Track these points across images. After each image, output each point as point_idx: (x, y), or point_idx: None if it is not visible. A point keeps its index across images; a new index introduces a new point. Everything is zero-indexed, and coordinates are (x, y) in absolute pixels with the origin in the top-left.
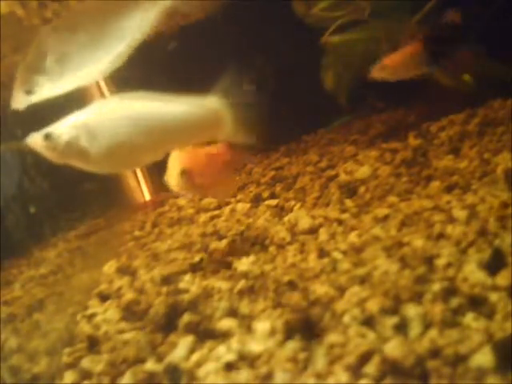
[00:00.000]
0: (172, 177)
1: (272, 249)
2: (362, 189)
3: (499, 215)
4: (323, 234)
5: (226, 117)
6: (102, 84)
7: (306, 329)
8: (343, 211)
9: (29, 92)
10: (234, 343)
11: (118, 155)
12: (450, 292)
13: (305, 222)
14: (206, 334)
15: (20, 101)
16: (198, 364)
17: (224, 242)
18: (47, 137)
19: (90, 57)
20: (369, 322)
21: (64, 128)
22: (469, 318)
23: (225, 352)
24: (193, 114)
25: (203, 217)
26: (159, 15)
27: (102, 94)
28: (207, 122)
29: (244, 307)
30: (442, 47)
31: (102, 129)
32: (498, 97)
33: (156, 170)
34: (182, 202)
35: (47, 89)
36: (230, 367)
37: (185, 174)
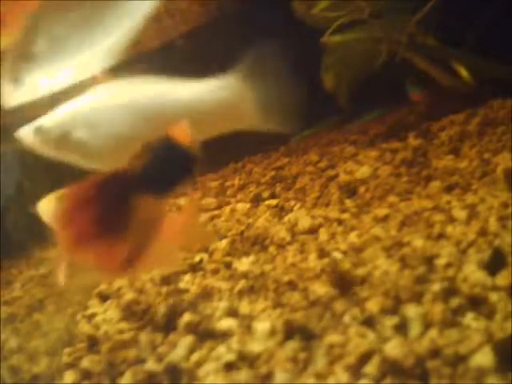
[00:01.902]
0: (46, 200)
1: (272, 249)
2: (361, 189)
3: (499, 215)
4: (323, 234)
5: (249, 102)
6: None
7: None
8: (343, 211)
9: (16, 81)
10: (234, 343)
11: (118, 148)
12: (450, 292)
13: (305, 222)
14: (205, 333)
15: (9, 93)
16: (198, 364)
17: (224, 242)
18: (38, 130)
19: (84, 40)
20: (369, 322)
21: (56, 119)
22: (469, 318)
23: (225, 352)
24: (207, 99)
25: (203, 217)
26: None
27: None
28: (225, 109)
29: (244, 307)
30: None
31: (99, 118)
32: (498, 97)
33: None
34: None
35: (37, 78)
36: (230, 367)
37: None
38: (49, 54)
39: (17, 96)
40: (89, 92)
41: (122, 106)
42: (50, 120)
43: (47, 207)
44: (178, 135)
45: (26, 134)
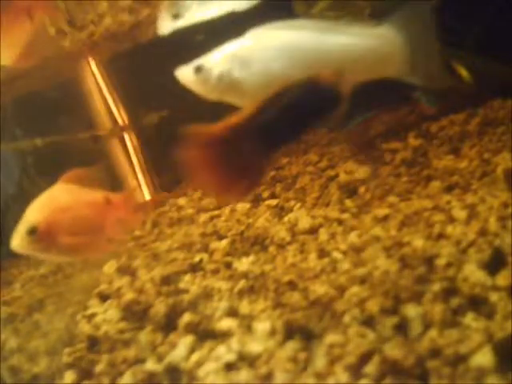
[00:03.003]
0: (17, 233)
1: (272, 249)
2: (361, 189)
3: (499, 215)
4: (323, 234)
5: (402, 52)
6: (100, 80)
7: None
8: (343, 211)
9: (176, 16)
10: (234, 343)
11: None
12: (450, 292)
13: (305, 222)
14: (205, 334)
15: (166, 25)
16: (198, 364)
17: (224, 242)
18: (198, 69)
19: None
20: (369, 321)
21: (216, 60)
22: (469, 318)
23: (225, 352)
24: (360, 45)
25: (203, 217)
26: None
27: (101, 90)
28: (378, 56)
29: (244, 307)
30: None
31: (255, 60)
32: (498, 97)
33: (156, 170)
34: (182, 201)
35: (195, 11)
36: (229, 367)
37: (34, 233)
38: None
39: (173, 27)
40: (246, 34)
41: (277, 49)
42: (210, 60)
43: (21, 243)
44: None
45: (185, 73)
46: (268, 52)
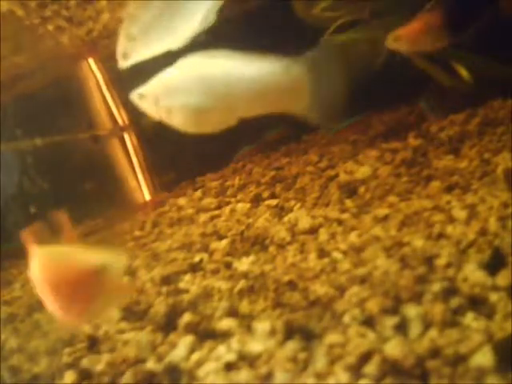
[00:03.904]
0: None
1: (272, 249)
2: (361, 189)
3: (499, 215)
4: (323, 234)
5: (306, 90)
6: (101, 80)
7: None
8: (343, 211)
9: (125, 55)
10: (234, 343)
11: (194, 115)
12: (450, 292)
13: (305, 222)
14: (206, 334)
15: (120, 64)
16: (198, 364)
17: (224, 242)
18: (140, 97)
19: (167, 26)
20: (369, 321)
21: (149, 88)
22: (469, 318)
23: (225, 352)
24: (270, 80)
25: (203, 217)
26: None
27: (101, 91)
28: (283, 92)
29: (244, 307)
30: (464, 18)
31: (178, 89)
32: (498, 97)
33: (156, 170)
34: (182, 201)
35: (139, 53)
36: (229, 367)
37: None
38: (142, 36)
39: (125, 65)
40: (174, 64)
41: (197, 78)
42: (145, 88)
43: None
44: None
45: (133, 98)
46: (188, 82)
